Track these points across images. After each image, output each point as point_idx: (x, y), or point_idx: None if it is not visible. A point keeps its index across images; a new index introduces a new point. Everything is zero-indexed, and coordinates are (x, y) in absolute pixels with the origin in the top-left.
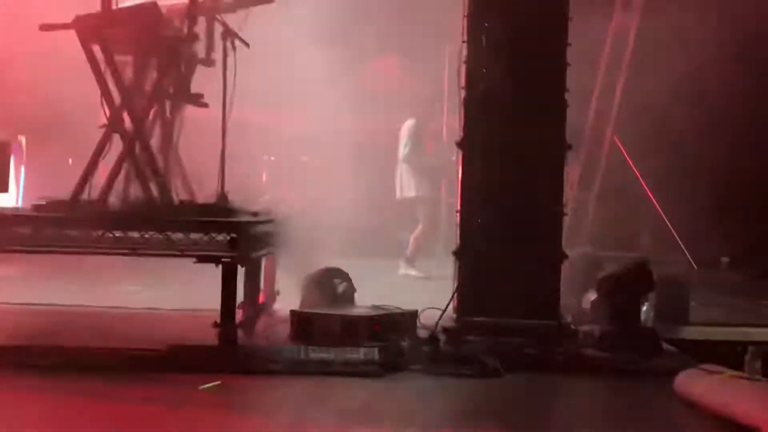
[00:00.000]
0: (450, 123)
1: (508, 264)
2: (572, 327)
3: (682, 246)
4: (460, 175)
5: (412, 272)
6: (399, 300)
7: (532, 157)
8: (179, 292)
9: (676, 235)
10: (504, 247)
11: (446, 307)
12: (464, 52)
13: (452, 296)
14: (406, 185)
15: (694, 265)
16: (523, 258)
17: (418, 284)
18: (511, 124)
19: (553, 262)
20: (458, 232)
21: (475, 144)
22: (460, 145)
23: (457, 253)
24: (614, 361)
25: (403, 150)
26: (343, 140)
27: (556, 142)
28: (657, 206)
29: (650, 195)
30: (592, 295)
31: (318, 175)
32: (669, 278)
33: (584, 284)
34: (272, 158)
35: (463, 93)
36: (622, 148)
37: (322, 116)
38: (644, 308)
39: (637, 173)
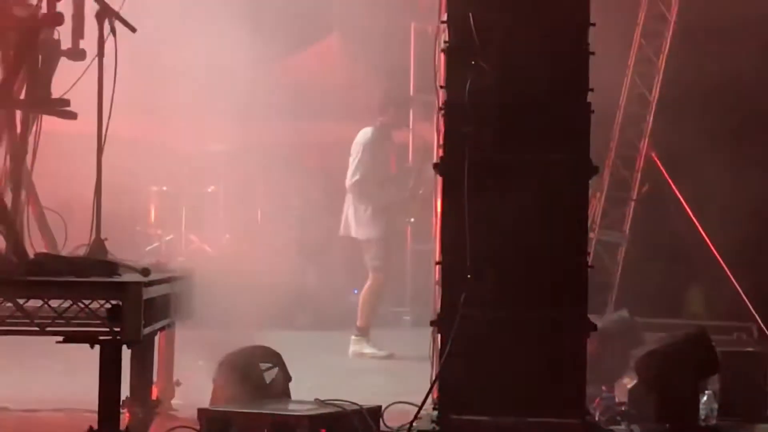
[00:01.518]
0: (420, 132)
1: (511, 338)
2: (603, 427)
3: (751, 308)
4: (438, 212)
5: (367, 350)
6: (353, 391)
7: (543, 185)
8: (43, 382)
9: (741, 293)
10: (504, 313)
11: (423, 402)
12: (443, 36)
13: (431, 385)
14: (351, 221)
15: None
16: (533, 329)
17: (378, 367)
18: (511, 139)
19: (576, 334)
20: (438, 292)
21: (459, 168)
22: (439, 168)
23: (438, 323)
24: None
25: (350, 177)
26: (266, 159)
27: (576, 163)
28: (714, 251)
29: (704, 235)
30: (629, 380)
31: (232, 211)
32: (737, 356)
33: (619, 364)
34: (164, 189)
35: (441, 94)
36: (661, 167)
37: (235, 127)
38: (704, 399)
39: (685, 204)
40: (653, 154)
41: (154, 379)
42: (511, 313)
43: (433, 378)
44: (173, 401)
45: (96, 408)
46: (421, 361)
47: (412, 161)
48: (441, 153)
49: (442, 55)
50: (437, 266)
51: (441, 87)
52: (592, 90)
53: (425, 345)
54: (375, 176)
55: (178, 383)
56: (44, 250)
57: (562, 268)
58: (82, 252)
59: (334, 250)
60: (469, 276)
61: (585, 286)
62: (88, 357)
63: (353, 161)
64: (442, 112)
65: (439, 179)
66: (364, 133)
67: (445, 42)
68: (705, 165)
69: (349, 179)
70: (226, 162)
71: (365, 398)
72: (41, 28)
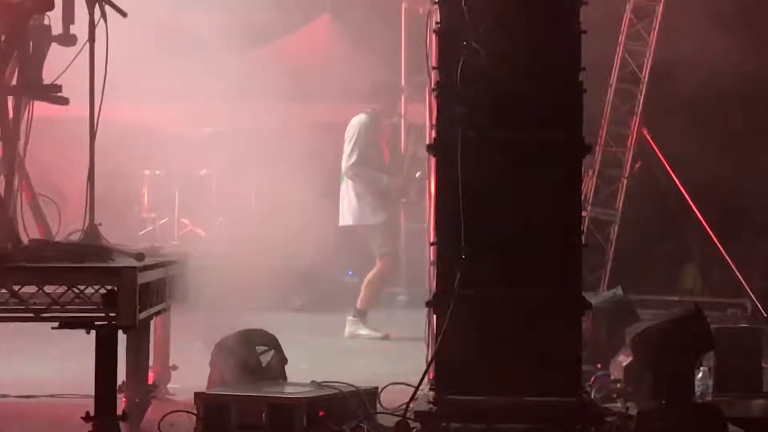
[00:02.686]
0: (413, 114)
1: (506, 318)
2: (599, 405)
3: (746, 285)
4: (432, 193)
5: (363, 331)
6: (350, 373)
7: (535, 165)
8: (39, 368)
9: (736, 270)
10: (499, 293)
11: (420, 383)
12: (435, 17)
13: (428, 366)
14: (352, 209)
15: (764, 312)
16: (528, 309)
17: (374, 348)
18: (503, 119)
19: (571, 313)
20: (433, 272)
21: (452, 148)
22: (432, 149)
23: (433, 303)
24: None
25: (346, 160)
26: (259, 142)
27: (569, 142)
28: (707, 227)
29: (697, 213)
30: (624, 358)
31: (226, 195)
32: (732, 332)
33: (613, 342)
34: (157, 173)
35: (433, 76)
36: (654, 146)
37: (227, 109)
38: (699, 375)
39: (678, 182)
40: (645, 131)
41: (150, 363)
42: (505, 293)
43: (429, 358)
44: (169, 385)
45: (92, 393)
46: (416, 342)
47: (404, 145)
48: (434, 134)
49: (434, 36)
50: (431, 247)
51: (433, 68)
52: (584, 69)
53: (420, 325)
54: (371, 161)
55: (174, 367)
56: (38, 237)
57: (556, 248)
58: (76, 238)
59: (328, 232)
60: (463, 256)
61: (579, 265)
62: (83, 342)
63: (348, 144)
64: (435, 93)
65: (433, 160)
66: (359, 118)
67: (436, 23)
68: (696, 141)
69: (346, 162)
70: (218, 144)
71: (361, 380)
72: (32, 14)
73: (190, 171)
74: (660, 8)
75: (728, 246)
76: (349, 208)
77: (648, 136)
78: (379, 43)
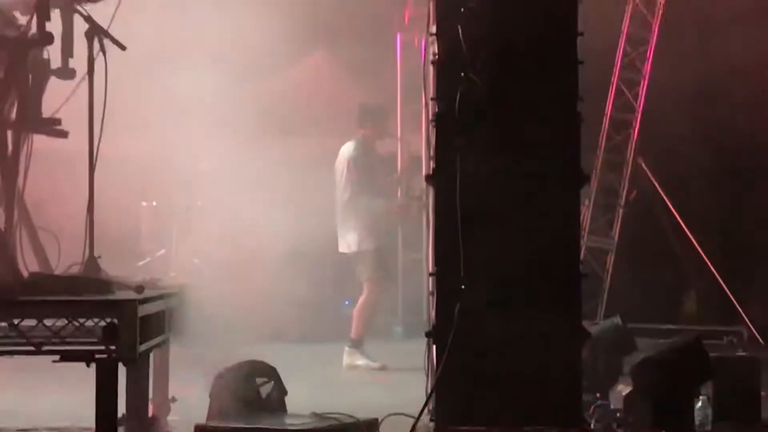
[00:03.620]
0: (408, 142)
1: (506, 348)
2: None
3: (742, 313)
4: (432, 223)
5: (360, 362)
6: (349, 403)
7: (535, 195)
8: (38, 401)
9: (732, 298)
10: (499, 324)
11: (420, 414)
12: (433, 49)
13: (428, 397)
14: (347, 237)
15: (761, 339)
16: (528, 339)
17: (373, 379)
18: (502, 150)
19: (571, 343)
20: (432, 303)
21: (451, 179)
22: (431, 179)
23: (433, 334)
24: None
25: (341, 193)
26: (257, 174)
27: (567, 172)
28: (703, 255)
29: (694, 242)
30: (624, 387)
31: (222, 226)
32: (730, 361)
33: (612, 371)
34: (154, 203)
35: (432, 106)
36: (651, 176)
37: (224, 141)
38: (698, 405)
39: (674, 211)
40: (640, 160)
41: (150, 395)
42: (505, 324)
43: (429, 389)
44: (169, 418)
45: (92, 426)
46: (414, 372)
47: (400, 171)
48: (433, 165)
49: (432, 67)
50: (431, 277)
51: (432, 99)
52: (581, 99)
53: (418, 356)
54: (364, 189)
55: (173, 399)
56: (38, 270)
57: (555, 277)
58: (75, 270)
59: (325, 263)
60: (462, 287)
61: (579, 294)
62: (82, 375)
63: (341, 178)
64: (433, 123)
65: (432, 190)
66: (347, 148)
67: (434, 54)
68: (692, 170)
69: (341, 197)
70: (215, 177)
71: (361, 410)
72: (31, 48)
73: (187, 203)
74: (653, 39)
75: (724, 273)
76: (343, 236)
77: (644, 165)
78: (375, 75)
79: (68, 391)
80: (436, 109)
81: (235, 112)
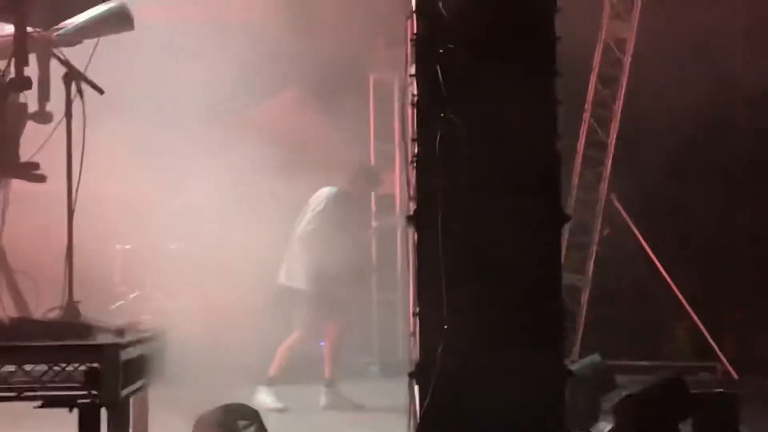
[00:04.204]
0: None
1: (491, 387)
2: None
3: (716, 348)
4: (414, 263)
5: (268, 399)
6: None
7: (516, 233)
8: None
9: (706, 333)
10: (484, 363)
11: None
12: (411, 90)
13: None
14: (293, 270)
15: (734, 374)
16: (512, 378)
17: (350, 419)
18: (483, 189)
19: (555, 381)
20: (414, 343)
21: (432, 220)
22: (412, 220)
23: (416, 374)
24: None
25: (306, 224)
26: (227, 214)
27: (548, 210)
28: (677, 292)
29: (667, 277)
30: (605, 425)
31: (198, 269)
32: (709, 398)
33: (591, 409)
34: (127, 247)
35: (411, 147)
36: (623, 211)
37: (196, 184)
38: None
39: (647, 248)
40: (613, 197)
41: None
42: (488, 362)
43: (412, 429)
44: None
45: None
46: (393, 412)
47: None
48: (414, 206)
49: (411, 109)
50: (413, 317)
51: (413, 140)
52: (560, 137)
53: (396, 395)
54: (328, 233)
55: None
56: (15, 313)
57: (538, 316)
58: (54, 315)
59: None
60: (446, 327)
61: (562, 332)
62: (57, 420)
63: (312, 211)
64: (413, 164)
65: (413, 231)
66: (330, 190)
67: (413, 95)
68: (663, 206)
69: (304, 228)
70: (188, 218)
71: None
72: (9, 93)
73: (161, 244)
74: (624, 78)
75: (697, 309)
76: (293, 268)
77: (616, 202)
78: (348, 115)
79: None
80: (416, 150)
81: (205, 152)
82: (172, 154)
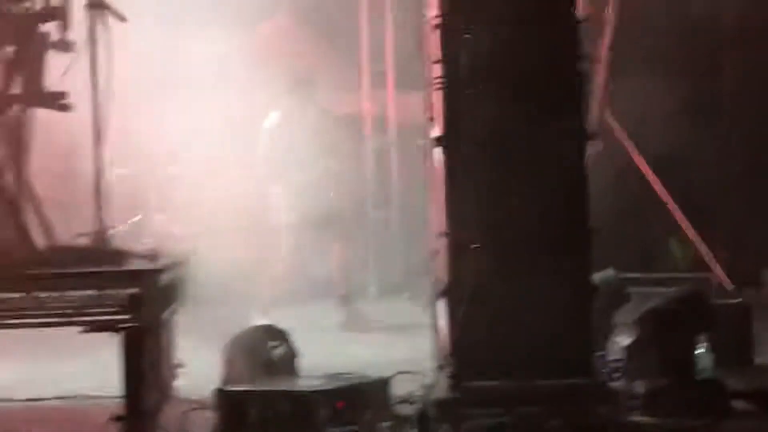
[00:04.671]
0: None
1: (520, 304)
2: (610, 385)
3: (709, 259)
4: (444, 185)
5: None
6: (345, 363)
7: (542, 151)
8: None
9: (702, 244)
10: (513, 281)
11: (440, 370)
12: (430, 12)
13: (448, 354)
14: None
15: (730, 283)
16: (541, 294)
17: (362, 338)
18: (509, 109)
19: (584, 297)
20: (446, 263)
21: (463, 140)
22: (442, 141)
23: (447, 293)
24: (671, 428)
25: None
26: (228, 136)
27: (574, 130)
28: (672, 204)
29: (657, 190)
30: (623, 338)
31: (197, 191)
32: (725, 308)
33: (606, 323)
34: (128, 171)
35: (435, 68)
36: (615, 123)
37: (193, 106)
38: (700, 352)
39: (637, 158)
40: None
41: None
42: (517, 279)
43: (438, 346)
44: (176, 383)
45: (95, 394)
46: (396, 331)
47: (368, 131)
48: (441, 128)
49: (433, 30)
50: (443, 237)
51: (437, 62)
52: (585, 57)
53: (394, 314)
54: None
55: (180, 365)
56: (44, 242)
57: (565, 231)
58: (82, 241)
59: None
60: (476, 246)
61: (589, 249)
62: (79, 345)
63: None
64: (438, 86)
65: (443, 154)
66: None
67: (435, 16)
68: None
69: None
70: (187, 142)
71: (360, 369)
72: (38, 23)
73: (162, 168)
74: None
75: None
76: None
77: (611, 119)
78: (340, 33)
79: (64, 361)
80: (442, 72)
81: (200, 74)
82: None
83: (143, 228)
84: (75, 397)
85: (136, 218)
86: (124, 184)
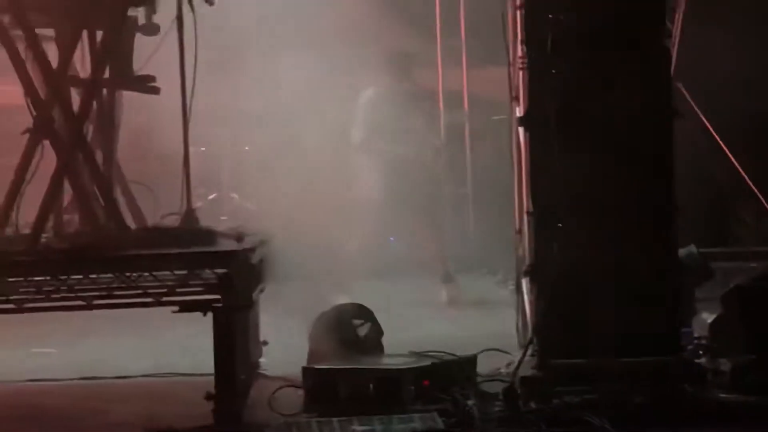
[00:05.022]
0: (450, 80)
1: (606, 283)
2: (696, 362)
3: None
4: (525, 165)
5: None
6: (424, 341)
7: (628, 131)
8: (106, 353)
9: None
10: (597, 260)
11: (526, 348)
12: None
13: (533, 333)
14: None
15: None
16: (625, 272)
17: (439, 315)
18: (594, 89)
19: (668, 275)
20: (530, 242)
21: (547, 120)
22: (525, 122)
23: (532, 272)
24: (756, 405)
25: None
26: (298, 115)
27: (658, 107)
28: (743, 175)
29: (735, 164)
30: (708, 315)
31: (271, 170)
32: None
33: (690, 300)
34: (202, 149)
35: (519, 49)
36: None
37: (256, 85)
38: None
39: (710, 128)
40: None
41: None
42: (602, 257)
43: (525, 325)
44: (261, 360)
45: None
46: (477, 307)
47: (442, 107)
48: (524, 107)
49: (515, 12)
50: (527, 217)
51: (521, 42)
52: (670, 36)
53: (471, 291)
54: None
55: (264, 343)
56: (133, 222)
57: (652, 210)
58: (170, 221)
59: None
60: (560, 225)
61: (675, 225)
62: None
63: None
64: (521, 66)
65: (525, 134)
66: (366, 92)
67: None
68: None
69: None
70: (260, 120)
71: (440, 346)
72: (129, 7)
73: (235, 147)
74: None
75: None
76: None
77: (683, 90)
78: (411, 8)
79: (144, 339)
80: (525, 53)
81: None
82: (244, 56)
83: (220, 205)
84: (163, 374)
85: (212, 196)
86: (196, 161)
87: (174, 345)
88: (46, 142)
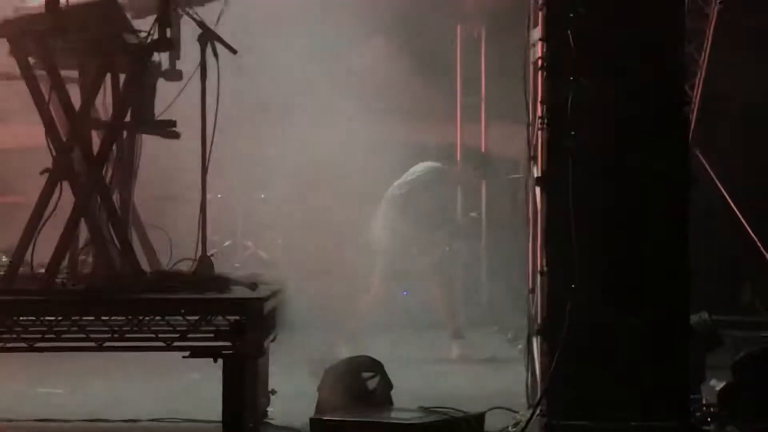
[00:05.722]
0: (467, 136)
1: (617, 345)
2: (704, 429)
3: None
4: (541, 224)
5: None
6: (433, 396)
7: (645, 193)
8: (115, 394)
9: None
10: (608, 320)
11: (535, 408)
12: (534, 51)
13: (541, 393)
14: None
15: None
16: (636, 334)
17: (446, 371)
18: (611, 153)
19: (679, 338)
20: (543, 301)
21: (563, 181)
22: (542, 182)
23: (543, 331)
24: None
25: (395, 188)
26: (315, 164)
27: (674, 172)
28: (759, 244)
29: (747, 228)
30: (716, 382)
31: (286, 217)
32: None
33: (699, 366)
34: (219, 196)
35: (538, 109)
36: (703, 160)
37: (277, 134)
38: None
39: (725, 194)
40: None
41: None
42: (614, 319)
43: (534, 385)
44: (268, 409)
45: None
46: (485, 363)
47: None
48: (542, 167)
49: (538, 71)
50: (540, 276)
51: (541, 103)
52: (687, 103)
53: (479, 348)
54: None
55: (273, 392)
56: (147, 267)
57: (665, 273)
58: (184, 266)
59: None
60: (573, 285)
61: (687, 290)
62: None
63: (407, 177)
64: (540, 126)
65: (542, 194)
66: (432, 164)
67: (539, 58)
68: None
69: (392, 191)
70: (277, 167)
71: (450, 402)
72: (152, 54)
73: (251, 194)
74: (710, 29)
75: None
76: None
77: (700, 156)
78: (434, 65)
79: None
80: (545, 113)
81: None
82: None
83: (234, 253)
84: (171, 419)
85: (227, 243)
86: (212, 208)
87: (184, 390)
88: (65, 183)
